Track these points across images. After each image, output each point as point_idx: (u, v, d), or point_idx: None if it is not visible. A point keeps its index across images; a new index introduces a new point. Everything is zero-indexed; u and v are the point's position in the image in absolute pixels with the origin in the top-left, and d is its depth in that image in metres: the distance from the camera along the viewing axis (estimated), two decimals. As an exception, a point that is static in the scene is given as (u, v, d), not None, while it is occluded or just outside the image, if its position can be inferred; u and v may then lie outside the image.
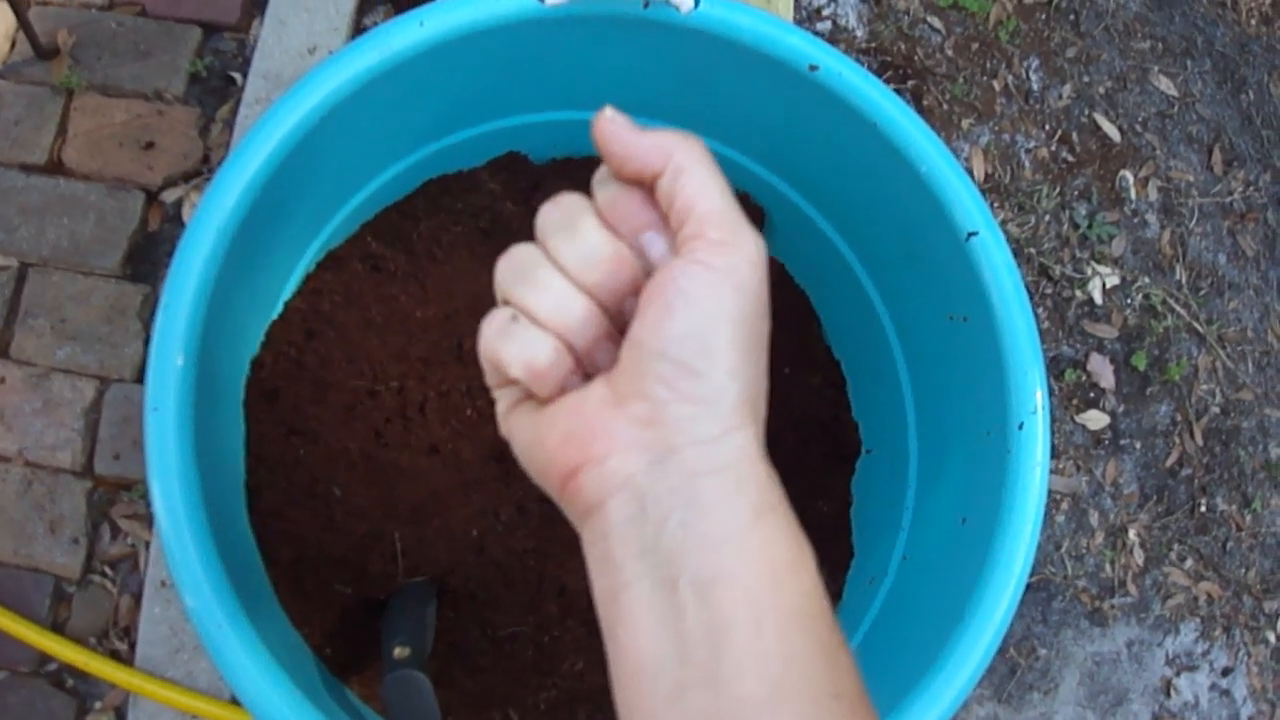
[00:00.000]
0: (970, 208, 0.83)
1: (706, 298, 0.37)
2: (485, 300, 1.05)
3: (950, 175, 0.83)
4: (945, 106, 1.78)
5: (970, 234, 0.82)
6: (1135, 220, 1.85)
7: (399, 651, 0.81)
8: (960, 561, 0.87)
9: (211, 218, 0.77)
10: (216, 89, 1.51)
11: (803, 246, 1.08)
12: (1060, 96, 1.86)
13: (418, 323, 0.96)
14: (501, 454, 0.94)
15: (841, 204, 1.01)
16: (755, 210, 1.07)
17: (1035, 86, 1.85)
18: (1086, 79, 1.88)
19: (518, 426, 0.42)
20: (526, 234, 0.41)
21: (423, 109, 0.91)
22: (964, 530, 0.88)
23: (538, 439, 0.40)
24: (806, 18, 1.78)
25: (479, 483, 0.94)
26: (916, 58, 1.79)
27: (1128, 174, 1.86)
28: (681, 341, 0.37)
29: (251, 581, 0.87)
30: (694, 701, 0.35)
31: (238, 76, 1.51)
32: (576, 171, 1.06)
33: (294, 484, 0.91)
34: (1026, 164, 1.81)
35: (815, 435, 1.08)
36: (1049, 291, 1.77)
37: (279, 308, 0.97)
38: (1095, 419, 1.74)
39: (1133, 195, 1.86)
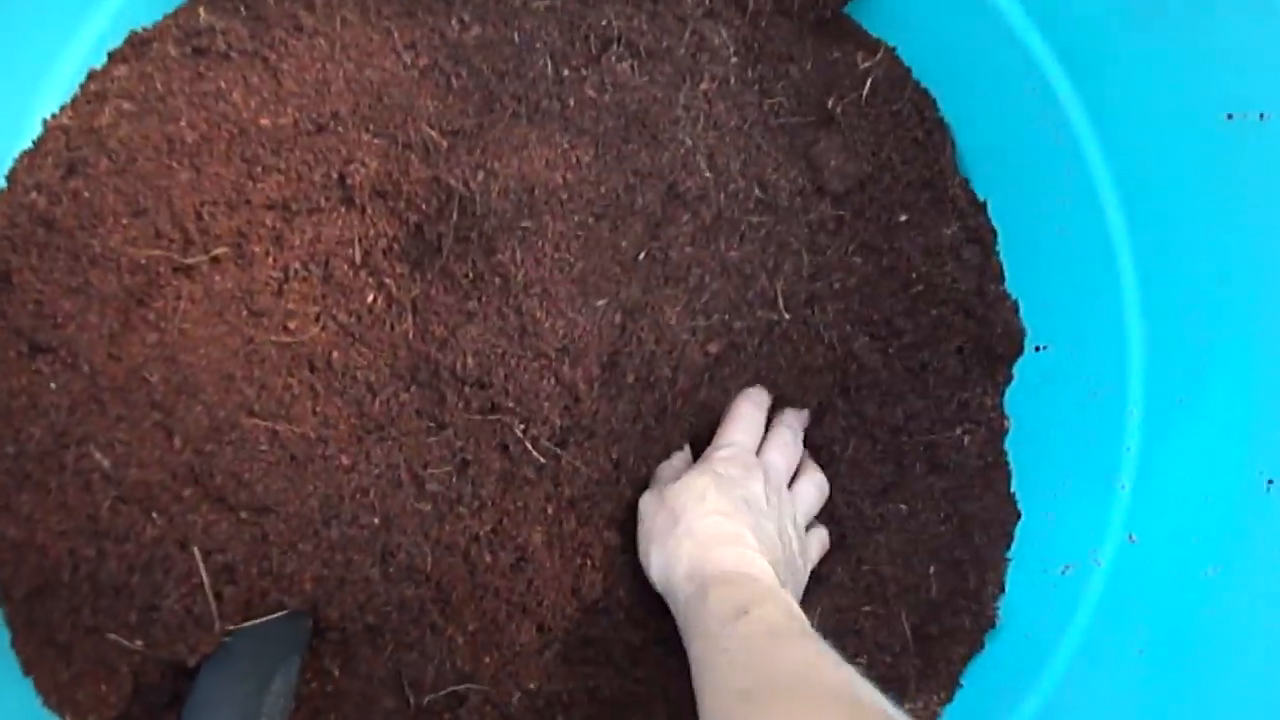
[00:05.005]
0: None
1: None
2: (390, 97, 0.51)
3: None
4: None
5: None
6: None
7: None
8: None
9: None
10: None
11: (930, 12, 0.66)
12: None
13: (267, 137, 0.53)
14: (432, 367, 0.53)
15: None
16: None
17: None
18: None
19: None
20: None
21: None
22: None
23: None
24: None
25: (386, 424, 0.52)
26: None
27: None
28: None
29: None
30: None
31: None
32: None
33: (29, 446, 0.49)
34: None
35: (947, 321, 0.67)
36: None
37: (35, 128, 0.55)
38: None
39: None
